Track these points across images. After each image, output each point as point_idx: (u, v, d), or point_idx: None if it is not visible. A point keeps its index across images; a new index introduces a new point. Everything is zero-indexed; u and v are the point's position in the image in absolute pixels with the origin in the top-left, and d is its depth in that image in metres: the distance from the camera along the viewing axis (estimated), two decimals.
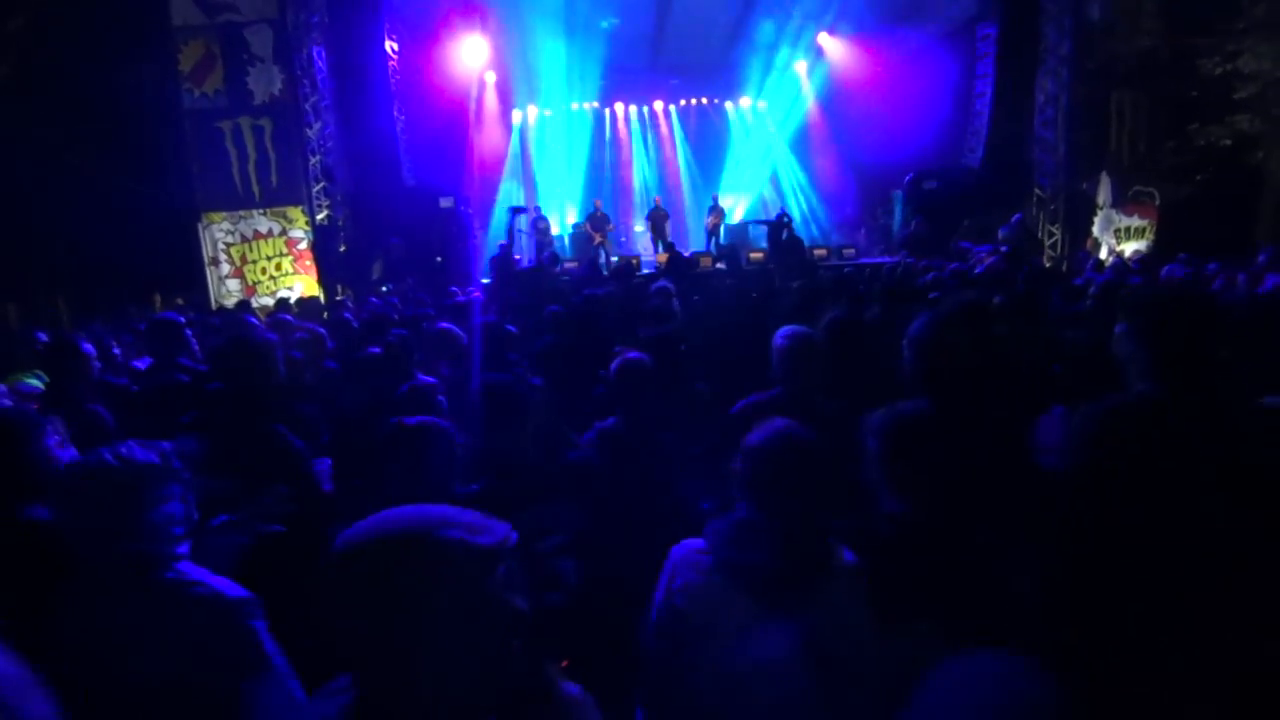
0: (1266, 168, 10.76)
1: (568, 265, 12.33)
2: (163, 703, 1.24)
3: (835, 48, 14.16)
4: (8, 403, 3.11)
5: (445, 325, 3.48)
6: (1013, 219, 10.25)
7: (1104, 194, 12.11)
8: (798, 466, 1.41)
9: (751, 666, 1.35)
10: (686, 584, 1.42)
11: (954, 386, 1.96)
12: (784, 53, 14.32)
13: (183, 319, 3.71)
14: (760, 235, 13.15)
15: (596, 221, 13.37)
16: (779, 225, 11.92)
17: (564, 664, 1.01)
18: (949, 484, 1.49)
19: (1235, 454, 1.56)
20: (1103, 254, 11.47)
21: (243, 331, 3.48)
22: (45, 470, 1.86)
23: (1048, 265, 8.42)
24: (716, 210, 13.94)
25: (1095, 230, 12.10)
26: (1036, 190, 12.36)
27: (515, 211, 11.87)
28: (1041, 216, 12.31)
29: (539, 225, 13.36)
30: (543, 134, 15.15)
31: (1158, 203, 11.79)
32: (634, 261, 12.02)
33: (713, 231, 13.64)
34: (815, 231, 14.90)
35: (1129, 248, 11.75)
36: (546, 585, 1.87)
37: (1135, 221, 12.02)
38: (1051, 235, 12.21)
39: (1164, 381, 1.63)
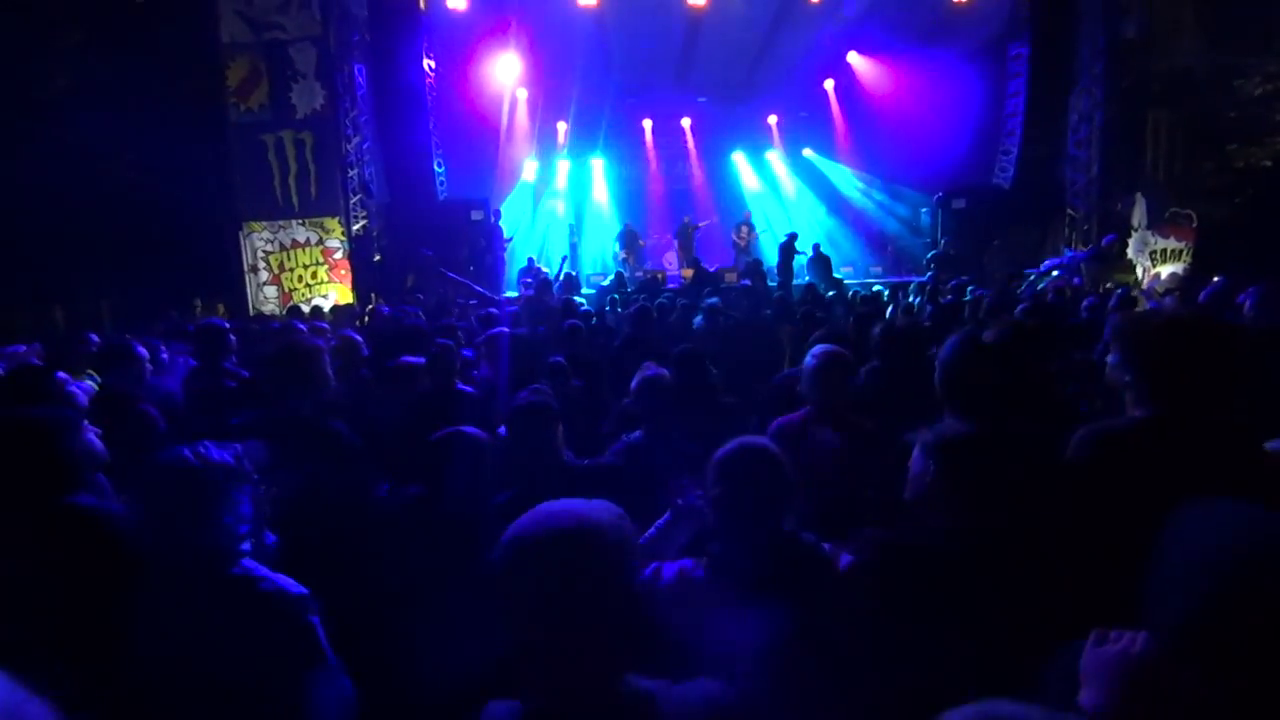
0: None
1: (594, 279, 12.51)
2: (229, 693, 1.32)
3: (864, 66, 14.19)
4: (74, 388, 3.28)
5: (498, 330, 3.58)
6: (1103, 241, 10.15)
7: (1139, 215, 11.89)
8: (759, 476, 1.49)
9: (755, 668, 1.39)
10: (681, 601, 1.45)
11: (978, 405, 2.00)
12: (813, 71, 14.39)
13: (227, 324, 3.87)
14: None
15: (627, 239, 13.66)
16: (789, 247, 11.97)
17: None
18: (999, 501, 1.53)
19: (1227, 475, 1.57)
20: (1139, 274, 11.26)
21: (294, 337, 3.63)
22: (84, 465, 1.98)
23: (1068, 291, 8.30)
24: (749, 226, 14.04)
25: (1130, 252, 11.88)
26: (1069, 211, 12.20)
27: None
28: (1074, 237, 12.14)
29: (571, 240, 13.63)
30: (572, 150, 15.40)
31: (1195, 224, 11.54)
32: (659, 276, 12.14)
33: (744, 248, 13.70)
34: (843, 249, 14.86)
35: (1165, 270, 11.51)
36: None
37: (1172, 243, 11.76)
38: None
39: (1156, 407, 1.65)
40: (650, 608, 1.51)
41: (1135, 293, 8.24)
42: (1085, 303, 4.52)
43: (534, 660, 0.88)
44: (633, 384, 2.60)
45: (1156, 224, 11.78)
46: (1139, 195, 11.83)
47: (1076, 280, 9.05)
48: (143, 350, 3.52)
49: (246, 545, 1.57)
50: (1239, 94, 10.70)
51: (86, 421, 2.26)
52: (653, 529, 1.70)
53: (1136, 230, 11.90)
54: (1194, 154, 11.47)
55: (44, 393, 2.99)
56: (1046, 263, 10.07)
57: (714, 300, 5.42)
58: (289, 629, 1.46)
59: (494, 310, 5.19)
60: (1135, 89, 11.44)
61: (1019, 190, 12.32)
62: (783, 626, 1.41)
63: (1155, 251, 11.84)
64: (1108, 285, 7.95)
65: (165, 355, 4.08)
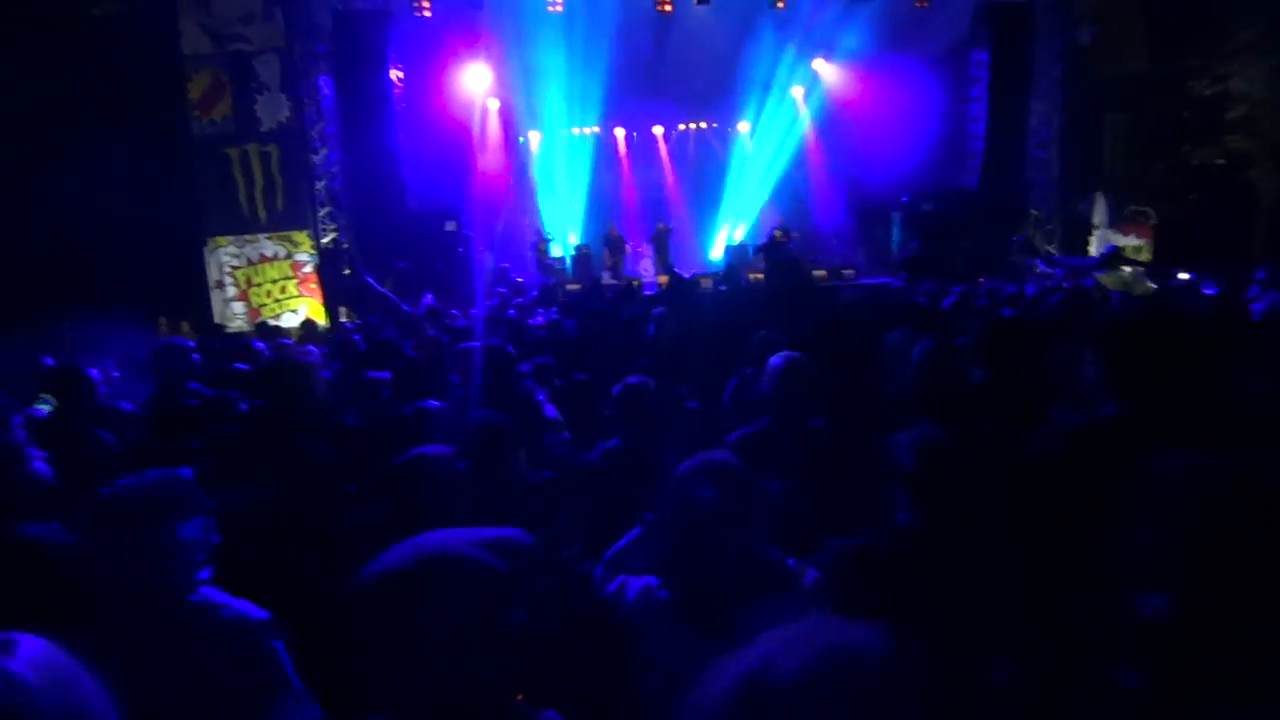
0: (1259, 186, 10.89)
1: (569, 287, 12.47)
2: None
3: (831, 73, 14.42)
4: (17, 418, 3.14)
5: (467, 345, 3.53)
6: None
7: (1100, 213, 12.24)
8: (721, 494, 1.43)
9: (721, 702, 1.34)
10: (643, 621, 1.41)
11: (950, 409, 2.00)
12: (780, 78, 14.59)
13: (191, 344, 3.77)
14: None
15: (612, 243, 13.67)
16: (773, 245, 12.06)
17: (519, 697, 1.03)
18: (964, 503, 1.52)
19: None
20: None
21: (284, 352, 3.54)
22: (30, 493, 1.90)
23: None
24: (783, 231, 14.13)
25: (1092, 249, 12.21)
26: (1033, 211, 12.50)
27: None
28: (1039, 236, 12.42)
29: (540, 249, 13.61)
30: (545, 159, 15.39)
31: (1153, 222, 11.91)
32: (635, 283, 12.15)
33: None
34: (814, 253, 15.03)
35: (1126, 267, 11.84)
36: (575, 592, 1.88)
37: (1132, 240, 12.12)
38: (1050, 254, 12.34)
39: (1127, 402, 1.67)
40: (616, 623, 1.48)
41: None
42: (1054, 299, 4.59)
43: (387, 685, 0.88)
44: (614, 391, 2.55)
45: (1117, 222, 12.13)
46: (1099, 195, 12.18)
47: (1089, 282, 9.03)
48: (95, 373, 3.41)
49: (205, 573, 1.52)
50: (1191, 95, 11.09)
51: (35, 448, 2.17)
52: (622, 542, 1.67)
53: (1098, 229, 12.24)
54: (1150, 154, 11.84)
55: None
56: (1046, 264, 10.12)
57: (660, 309, 5.43)
58: (252, 656, 1.41)
59: (461, 321, 5.13)
60: (1091, 93, 11.79)
61: (984, 192, 12.59)
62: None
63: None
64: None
65: (116, 375, 3.96)
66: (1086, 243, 12.25)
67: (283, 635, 1.48)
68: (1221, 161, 11.16)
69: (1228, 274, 6.90)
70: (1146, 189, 11.90)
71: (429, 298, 8.31)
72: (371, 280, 9.09)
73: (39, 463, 2.04)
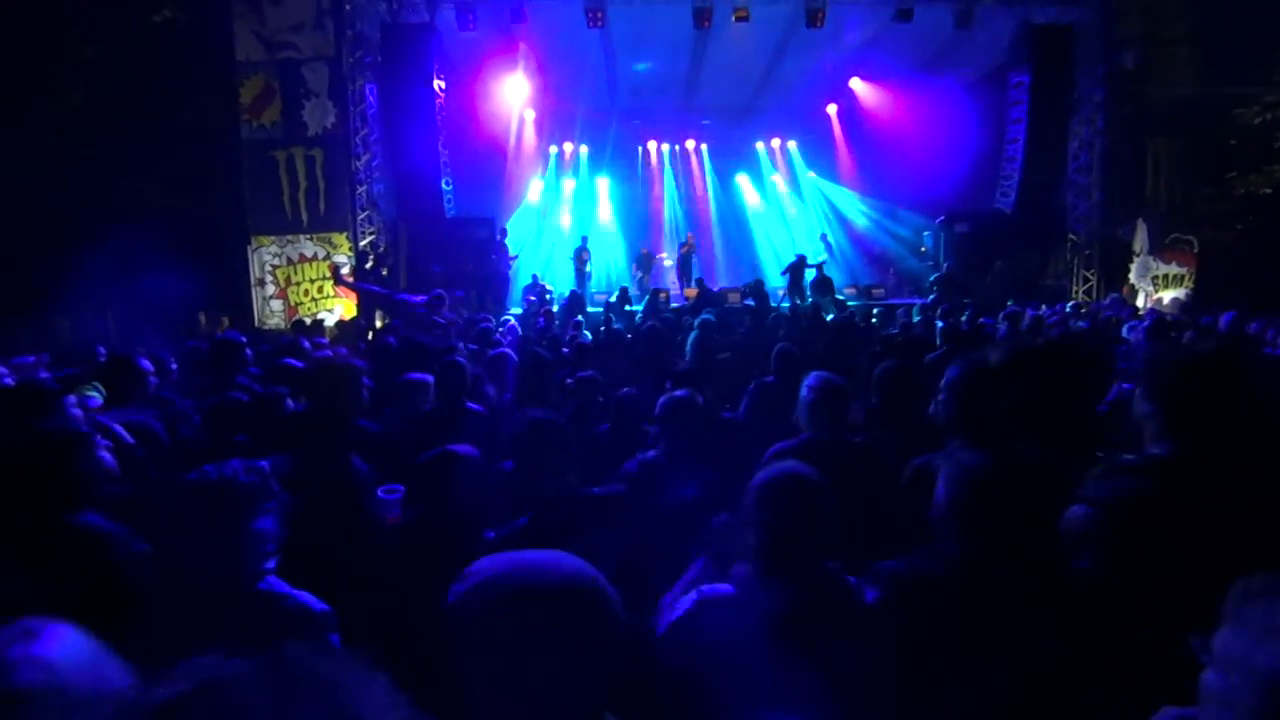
0: None
1: (599, 297, 12.57)
2: None
3: (867, 92, 14.38)
4: (75, 410, 3.25)
5: (502, 350, 3.59)
6: None
7: (1140, 240, 11.99)
8: (806, 506, 1.44)
9: (778, 710, 1.36)
10: (715, 628, 1.43)
11: (987, 431, 1.99)
12: (816, 95, 14.60)
13: (244, 339, 3.88)
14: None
15: (644, 263, 14.14)
16: (799, 267, 12.03)
17: None
18: (1010, 529, 1.50)
19: (1246, 515, 1.54)
20: (1140, 301, 11.31)
21: (328, 357, 3.63)
22: (94, 482, 1.97)
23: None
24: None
25: (1132, 277, 11.95)
26: (1070, 235, 12.30)
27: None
28: (1076, 261, 12.21)
29: (582, 257, 13.79)
30: (577, 170, 15.58)
31: (1196, 250, 11.63)
32: (663, 295, 12.21)
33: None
34: (844, 271, 14.94)
35: (1167, 295, 11.57)
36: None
37: (1173, 269, 11.85)
38: (1086, 280, 12.11)
39: (1177, 443, 1.64)
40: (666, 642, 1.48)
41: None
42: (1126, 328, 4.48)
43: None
44: (659, 404, 2.56)
45: (1158, 249, 11.87)
46: (1140, 221, 11.93)
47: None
48: (147, 364, 3.52)
49: (271, 563, 1.58)
50: (1239, 122, 10.85)
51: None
52: (690, 574, 1.69)
53: (1138, 255, 11.98)
54: (1195, 181, 11.59)
55: (45, 410, 2.97)
56: None
57: (708, 315, 5.43)
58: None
59: (488, 325, 5.21)
60: (1135, 117, 11.60)
61: (1021, 214, 12.42)
62: (811, 663, 1.37)
63: (1157, 277, 11.91)
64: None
65: (174, 367, 4.08)
66: (1126, 269, 12.00)
67: (339, 630, 1.52)
68: (1268, 191, 10.88)
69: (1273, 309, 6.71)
70: (1190, 217, 11.64)
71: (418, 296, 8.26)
72: (365, 285, 9.31)
73: (104, 452, 2.12)
